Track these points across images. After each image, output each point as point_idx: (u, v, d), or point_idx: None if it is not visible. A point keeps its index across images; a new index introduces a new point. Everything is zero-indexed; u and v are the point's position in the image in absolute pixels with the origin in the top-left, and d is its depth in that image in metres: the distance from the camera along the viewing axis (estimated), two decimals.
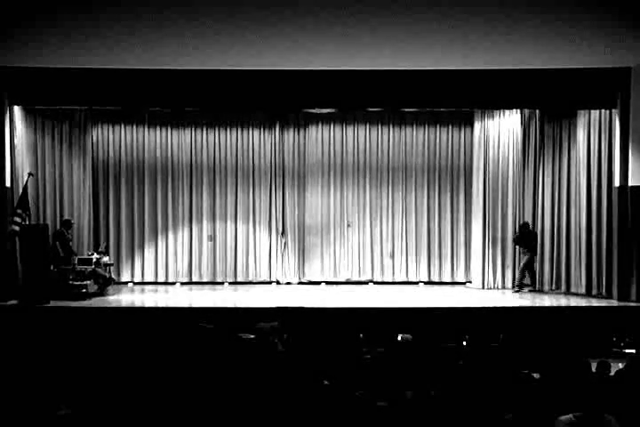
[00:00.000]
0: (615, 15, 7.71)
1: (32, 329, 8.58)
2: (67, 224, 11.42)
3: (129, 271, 12.77)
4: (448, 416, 4.85)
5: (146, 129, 12.79)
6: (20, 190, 10.53)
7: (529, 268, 11.77)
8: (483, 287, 12.22)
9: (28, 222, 10.43)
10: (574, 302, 10.62)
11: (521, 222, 11.98)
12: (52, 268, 10.72)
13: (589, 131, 11.07)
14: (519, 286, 11.73)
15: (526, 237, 11.74)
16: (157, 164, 12.81)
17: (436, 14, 7.63)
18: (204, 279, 12.77)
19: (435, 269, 12.83)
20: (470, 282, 12.53)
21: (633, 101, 10.12)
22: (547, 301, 10.78)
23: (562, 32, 8.32)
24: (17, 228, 10.24)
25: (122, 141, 12.80)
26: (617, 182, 10.42)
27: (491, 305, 10.30)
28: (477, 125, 12.45)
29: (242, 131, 12.93)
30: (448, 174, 12.92)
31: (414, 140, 12.91)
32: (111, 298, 10.90)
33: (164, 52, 9.40)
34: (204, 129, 12.88)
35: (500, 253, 12.25)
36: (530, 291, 11.62)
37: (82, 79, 10.33)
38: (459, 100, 10.80)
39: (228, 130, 12.93)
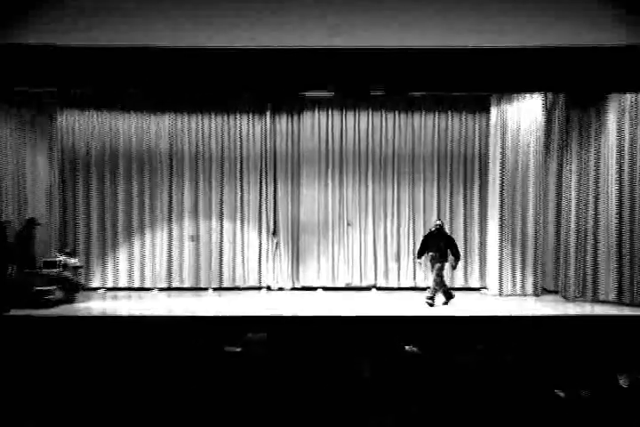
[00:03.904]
0: None
1: None
2: (31, 223, 11.34)
3: (100, 276, 12.74)
4: None
5: (120, 115, 12.75)
6: None
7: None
8: (500, 294, 12.20)
9: None
10: (603, 310, 10.59)
11: (439, 223, 11.40)
12: (11, 271, 10.64)
13: (621, 117, 11.00)
14: (432, 298, 11.09)
15: (452, 241, 11.36)
16: (133, 154, 12.76)
17: None
18: (186, 284, 12.75)
19: (446, 274, 12.71)
20: (486, 288, 12.49)
21: None
22: (571, 309, 10.76)
23: (590, 5, 8.24)
24: None
25: (92, 129, 12.74)
26: None
27: (509, 314, 10.27)
28: (494, 111, 12.38)
29: (228, 117, 12.89)
30: (461, 166, 12.89)
31: (423, 128, 12.88)
32: (80, 306, 10.86)
33: (140, 27, 9.30)
34: (186, 115, 12.84)
35: (520, 255, 12.22)
36: (429, 304, 11.02)
37: (47, 57, 10.20)
38: (473, 82, 10.68)
39: (213, 116, 12.89)
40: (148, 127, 12.80)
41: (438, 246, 11.17)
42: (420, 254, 11.40)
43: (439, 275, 11.15)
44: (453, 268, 11.49)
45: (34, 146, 12.19)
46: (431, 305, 10.99)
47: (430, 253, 11.25)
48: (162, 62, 10.22)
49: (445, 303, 11.13)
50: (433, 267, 11.25)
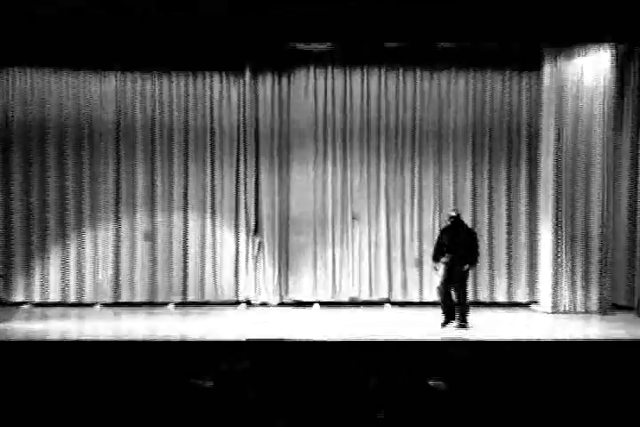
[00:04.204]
0: None
1: None
2: None
3: (24, 287, 12.68)
4: None
5: (50, 73, 12.66)
6: None
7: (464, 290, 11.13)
8: (554, 311, 12.17)
9: None
10: None
11: (454, 214, 11.21)
12: None
13: None
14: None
15: (472, 238, 11.24)
16: (67, 126, 12.70)
17: None
18: (138, 299, 12.73)
19: (483, 284, 12.80)
20: (536, 303, 12.48)
21: None
22: None
23: None
24: None
25: (13, 93, 12.68)
26: None
27: (568, 337, 10.30)
28: (547, 69, 12.31)
29: (194, 77, 12.85)
30: (503, 143, 12.88)
31: (453, 92, 12.86)
32: None
33: None
34: (138, 74, 12.77)
35: (582, 262, 12.19)
36: (460, 326, 10.93)
37: None
38: (519, 29, 10.69)
39: (174, 76, 12.83)
40: (89, 90, 12.71)
41: (454, 246, 11.01)
42: (435, 257, 11.25)
43: (463, 285, 11.01)
44: (467, 270, 11.15)
45: None
46: (464, 327, 10.94)
47: (446, 255, 11.06)
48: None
49: (444, 324, 10.96)
50: (448, 274, 10.98)
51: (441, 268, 11.11)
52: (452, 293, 11.01)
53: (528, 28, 10.73)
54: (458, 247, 11.00)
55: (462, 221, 11.35)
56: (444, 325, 11.00)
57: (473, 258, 11.11)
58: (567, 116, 12.23)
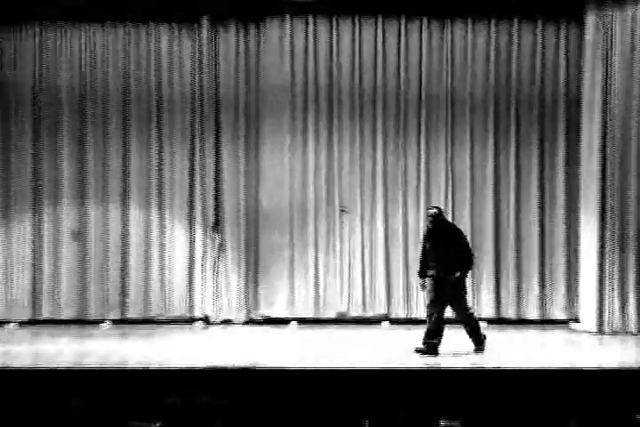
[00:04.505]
0: None
1: None
2: None
3: None
4: None
5: None
6: None
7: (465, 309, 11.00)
8: (600, 331, 12.25)
9: None
10: None
11: (434, 212, 10.94)
12: None
13: None
14: (480, 341, 10.97)
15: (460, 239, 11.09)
16: None
17: None
18: (64, 315, 12.76)
19: (508, 297, 12.92)
20: (577, 320, 12.60)
21: None
22: None
23: None
24: None
25: None
26: None
27: (617, 365, 10.22)
28: (591, 21, 12.36)
29: (136, 29, 12.90)
30: (534, 116, 12.96)
31: (470, 49, 12.92)
32: None
33: None
34: (63, 25, 12.80)
35: (636, 266, 12.24)
36: (477, 349, 10.90)
37: None
38: None
39: (109, 27, 12.87)
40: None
41: (436, 252, 10.85)
42: (421, 272, 11.10)
43: (460, 301, 10.84)
44: (459, 280, 10.93)
45: None
46: (480, 350, 10.96)
47: (431, 266, 10.90)
48: None
49: (430, 352, 10.74)
50: (436, 290, 10.78)
51: (428, 283, 10.96)
52: (443, 311, 10.86)
53: None
54: (442, 254, 10.83)
55: (445, 220, 11.17)
56: (431, 353, 10.71)
57: (467, 264, 10.95)
58: (617, 82, 12.24)
